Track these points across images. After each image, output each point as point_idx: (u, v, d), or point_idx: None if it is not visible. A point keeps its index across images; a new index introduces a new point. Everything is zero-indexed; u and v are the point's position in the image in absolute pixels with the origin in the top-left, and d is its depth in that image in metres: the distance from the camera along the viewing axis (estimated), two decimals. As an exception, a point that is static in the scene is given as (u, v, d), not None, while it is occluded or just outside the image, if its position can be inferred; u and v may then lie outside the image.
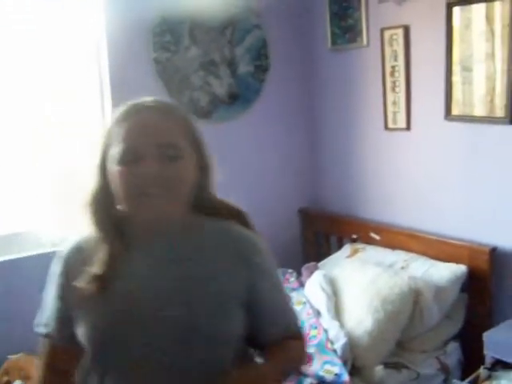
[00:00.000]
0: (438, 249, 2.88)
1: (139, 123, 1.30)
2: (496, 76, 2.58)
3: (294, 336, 1.43)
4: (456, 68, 2.74)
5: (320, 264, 3.20)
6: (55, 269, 1.43)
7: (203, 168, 1.36)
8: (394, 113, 3.07)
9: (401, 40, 2.95)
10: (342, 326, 2.63)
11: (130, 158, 1.26)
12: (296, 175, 3.57)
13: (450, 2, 2.69)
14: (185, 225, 1.37)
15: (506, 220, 2.67)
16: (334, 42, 3.34)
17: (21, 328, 2.71)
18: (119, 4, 2.83)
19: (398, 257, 2.96)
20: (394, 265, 2.91)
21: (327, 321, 2.66)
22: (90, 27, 2.93)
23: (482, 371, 2.39)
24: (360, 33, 3.17)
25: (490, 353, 2.44)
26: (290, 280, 3.06)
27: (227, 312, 1.30)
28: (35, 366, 2.45)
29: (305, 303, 2.82)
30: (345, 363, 2.46)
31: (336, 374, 2.40)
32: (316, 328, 2.64)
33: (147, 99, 1.35)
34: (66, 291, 1.36)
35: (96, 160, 1.35)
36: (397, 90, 3.03)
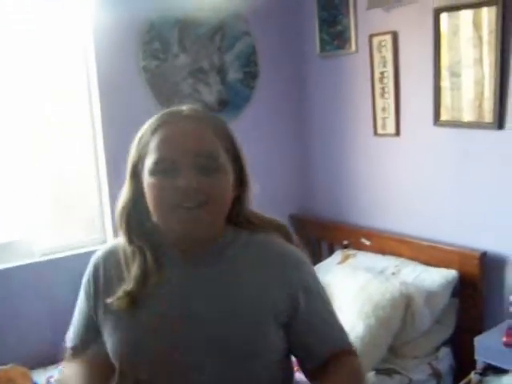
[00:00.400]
0: (428, 254, 2.88)
1: (176, 132, 1.21)
2: (484, 81, 2.60)
3: (346, 352, 1.30)
4: (444, 73, 2.75)
5: (311, 270, 3.19)
6: (86, 275, 1.35)
7: (242, 182, 1.29)
8: (384, 119, 3.08)
9: (389, 46, 2.96)
10: (333, 332, 2.62)
11: (165, 169, 1.18)
12: (286, 181, 3.58)
13: (438, 9, 2.70)
14: (222, 240, 1.29)
15: (496, 225, 2.68)
16: (322, 49, 3.35)
17: (11, 339, 2.71)
18: (107, 12, 2.81)
19: (388, 262, 2.96)
20: (385, 270, 2.91)
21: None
22: (78, 35, 2.92)
23: (474, 376, 2.39)
24: (349, 39, 3.18)
25: (481, 358, 2.45)
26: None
27: (265, 331, 1.23)
28: (25, 378, 2.44)
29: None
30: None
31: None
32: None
33: (184, 107, 1.27)
34: (95, 300, 1.30)
35: (128, 169, 1.27)
36: (386, 95, 3.04)
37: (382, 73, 3.04)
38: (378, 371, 2.53)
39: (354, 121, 3.27)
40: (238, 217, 1.32)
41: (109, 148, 2.92)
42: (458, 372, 2.68)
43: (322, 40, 3.33)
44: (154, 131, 1.23)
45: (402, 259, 2.95)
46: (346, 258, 3.16)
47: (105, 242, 2.98)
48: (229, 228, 1.31)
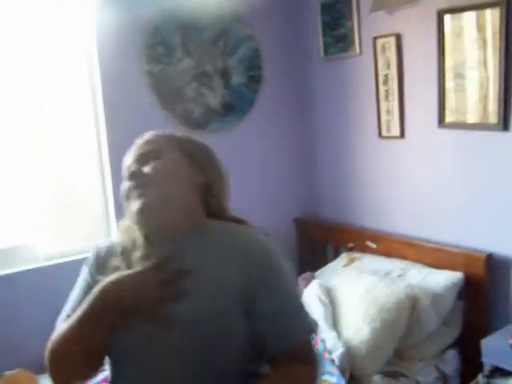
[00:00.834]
0: (434, 256, 2.87)
1: (134, 149, 1.43)
2: (489, 83, 2.59)
3: (302, 359, 1.35)
4: (449, 75, 2.75)
5: (316, 273, 3.19)
6: (87, 261, 1.48)
7: (206, 185, 1.42)
8: (388, 121, 3.08)
9: (393, 48, 2.96)
10: (339, 335, 2.62)
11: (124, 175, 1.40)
12: (291, 185, 3.58)
13: (441, 10, 2.70)
14: (193, 231, 1.38)
15: (501, 226, 2.67)
16: (326, 52, 3.35)
17: (16, 343, 2.71)
18: (110, 17, 2.82)
19: (394, 265, 2.96)
20: (391, 273, 2.90)
21: (324, 331, 2.65)
22: (82, 39, 2.93)
23: (481, 379, 2.38)
24: (352, 42, 3.18)
25: (487, 360, 2.43)
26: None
27: (227, 309, 1.29)
28: (32, 383, 2.44)
29: (302, 313, 2.80)
30: (343, 373, 2.45)
31: (334, 385, 2.39)
32: (313, 338, 2.62)
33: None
34: (93, 283, 1.37)
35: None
36: (390, 98, 3.04)
37: (386, 75, 3.04)
38: (385, 374, 2.52)
39: (358, 123, 3.27)
40: (210, 207, 1.43)
41: (113, 153, 2.93)
42: (465, 374, 2.67)
43: (325, 43, 3.33)
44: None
45: (408, 262, 2.95)
46: (352, 260, 3.15)
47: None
48: (204, 219, 1.42)
